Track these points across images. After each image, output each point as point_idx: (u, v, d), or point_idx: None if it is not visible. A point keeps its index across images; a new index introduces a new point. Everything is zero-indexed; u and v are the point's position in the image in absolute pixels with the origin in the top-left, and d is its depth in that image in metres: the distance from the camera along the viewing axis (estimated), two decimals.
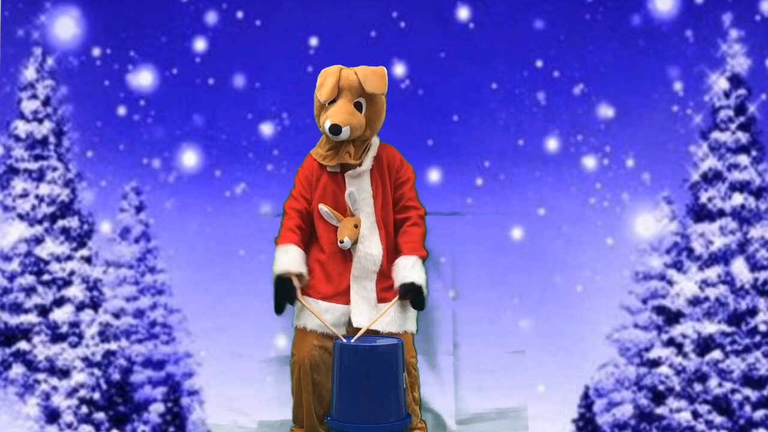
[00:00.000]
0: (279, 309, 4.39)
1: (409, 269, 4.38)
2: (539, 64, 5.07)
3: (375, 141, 4.51)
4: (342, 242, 4.39)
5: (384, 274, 4.45)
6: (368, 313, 4.41)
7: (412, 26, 5.08)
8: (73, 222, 5.00)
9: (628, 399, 4.88)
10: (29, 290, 4.94)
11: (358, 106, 4.43)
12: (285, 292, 4.37)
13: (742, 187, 4.92)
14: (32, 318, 4.92)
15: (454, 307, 5.08)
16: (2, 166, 5.03)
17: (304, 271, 4.42)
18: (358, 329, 4.35)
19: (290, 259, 4.40)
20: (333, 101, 4.43)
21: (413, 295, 4.36)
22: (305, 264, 4.44)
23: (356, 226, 4.42)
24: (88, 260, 5.00)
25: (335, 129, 4.35)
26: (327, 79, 4.43)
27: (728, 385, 4.81)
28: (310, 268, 4.48)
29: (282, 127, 5.10)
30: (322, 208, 4.44)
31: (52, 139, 5.02)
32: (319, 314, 4.37)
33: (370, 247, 4.43)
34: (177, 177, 5.10)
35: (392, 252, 4.49)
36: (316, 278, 4.47)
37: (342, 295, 4.43)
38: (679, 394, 4.85)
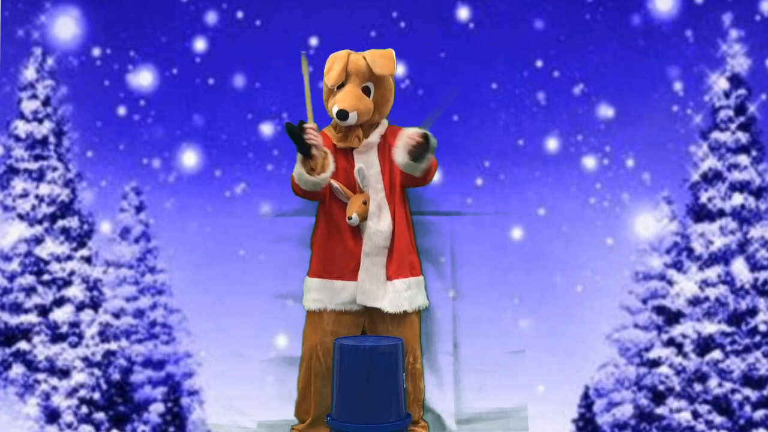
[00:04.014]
0: (303, 148, 4.39)
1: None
2: (539, 64, 5.07)
3: (384, 122, 4.58)
4: (350, 218, 4.44)
5: (394, 252, 4.48)
6: (375, 291, 4.45)
7: (412, 26, 5.08)
8: (73, 222, 5.00)
9: (628, 399, 4.88)
10: (29, 290, 4.94)
11: (366, 91, 4.48)
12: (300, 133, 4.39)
13: (742, 187, 4.92)
14: (32, 318, 4.92)
15: (454, 307, 5.08)
16: (2, 166, 5.03)
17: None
18: (370, 307, 4.41)
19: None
20: (341, 86, 4.47)
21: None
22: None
23: (365, 203, 4.47)
24: (88, 260, 5.00)
25: (342, 114, 4.40)
26: (335, 63, 4.47)
27: (728, 385, 4.81)
28: (322, 247, 4.52)
29: (282, 127, 5.10)
30: (333, 184, 4.49)
31: (52, 139, 5.02)
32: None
33: (380, 223, 4.48)
34: (177, 177, 5.10)
35: (401, 228, 4.53)
36: (328, 259, 4.51)
37: (354, 272, 4.48)
38: (679, 394, 4.85)
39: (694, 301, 4.89)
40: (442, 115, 5.07)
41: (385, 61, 4.48)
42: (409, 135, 4.36)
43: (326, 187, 4.54)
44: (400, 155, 4.40)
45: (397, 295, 4.50)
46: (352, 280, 4.51)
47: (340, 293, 4.50)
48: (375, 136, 4.57)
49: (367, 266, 4.49)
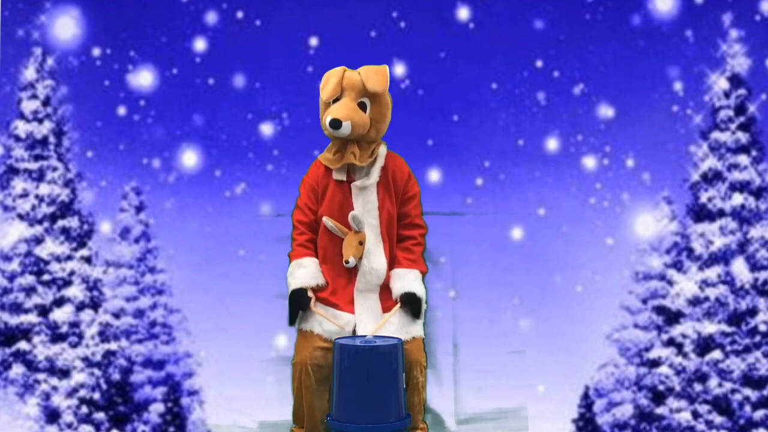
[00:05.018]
0: (292, 320, 4.36)
1: (410, 281, 4.35)
2: (539, 64, 5.08)
3: (382, 151, 4.45)
4: (347, 262, 4.33)
5: (387, 287, 4.43)
6: (373, 323, 4.39)
7: (412, 26, 5.08)
8: (73, 222, 5.00)
9: (628, 399, 4.88)
10: (29, 290, 4.94)
11: (362, 107, 4.41)
12: (301, 303, 4.34)
13: (742, 187, 4.92)
14: (32, 318, 4.92)
15: (454, 307, 5.08)
16: (2, 166, 5.03)
17: (322, 282, 4.39)
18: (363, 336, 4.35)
19: (307, 272, 4.36)
20: (336, 100, 4.42)
21: (412, 306, 4.33)
22: (321, 275, 4.41)
23: (361, 243, 4.38)
24: (88, 260, 5.00)
25: (335, 123, 4.31)
26: (330, 78, 4.42)
27: (728, 385, 4.81)
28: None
29: (282, 127, 5.10)
30: (328, 222, 4.39)
31: (52, 139, 5.02)
32: (331, 318, 4.35)
33: (375, 261, 4.39)
34: (177, 177, 5.10)
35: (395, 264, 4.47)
36: (321, 288, 4.45)
37: (347, 305, 4.41)
38: (679, 394, 4.85)
39: (694, 301, 4.89)
40: (442, 115, 5.08)
41: (379, 78, 4.41)
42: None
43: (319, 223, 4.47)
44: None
45: (403, 322, 4.42)
46: (345, 312, 4.44)
47: (330, 322, 4.42)
48: (375, 175, 4.46)
49: (361, 301, 4.42)
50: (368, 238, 4.38)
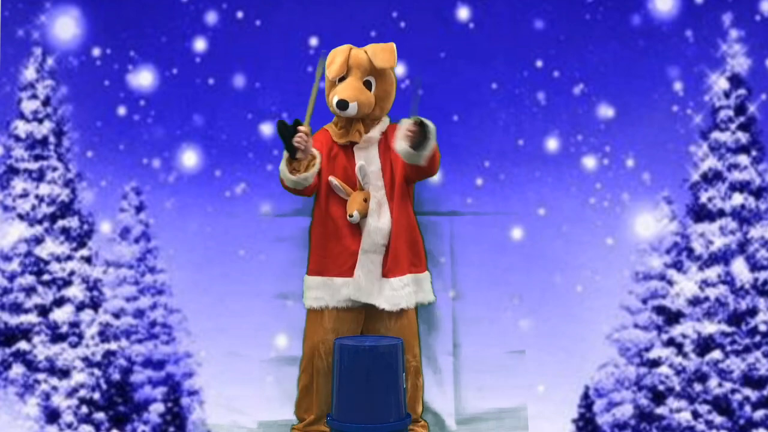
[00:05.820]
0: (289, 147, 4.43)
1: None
2: (539, 64, 5.08)
3: (385, 119, 4.58)
4: (351, 216, 4.42)
5: (392, 250, 4.48)
6: (370, 288, 4.45)
7: (412, 26, 5.08)
8: (73, 222, 5.00)
9: (628, 399, 4.88)
10: (29, 290, 4.94)
11: (367, 85, 4.48)
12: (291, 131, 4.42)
13: (742, 187, 4.92)
14: (32, 318, 4.92)
15: (454, 307, 5.08)
16: (2, 166, 5.03)
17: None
18: (368, 304, 4.41)
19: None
20: (342, 79, 4.48)
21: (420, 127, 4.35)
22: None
23: (366, 200, 4.46)
24: (88, 260, 5.00)
25: (342, 104, 4.40)
26: (336, 56, 4.49)
27: (728, 385, 4.81)
28: (320, 244, 4.52)
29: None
30: (332, 180, 4.49)
31: (52, 139, 5.02)
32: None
33: (380, 220, 4.47)
34: (177, 177, 5.10)
35: (401, 226, 4.51)
36: (326, 256, 4.51)
37: (353, 269, 4.48)
38: (679, 394, 4.85)
39: (694, 301, 4.89)
40: (442, 115, 5.07)
41: (386, 54, 4.50)
42: (404, 126, 4.36)
43: (315, 184, 4.52)
44: (400, 145, 4.39)
45: (393, 293, 4.50)
46: (352, 277, 4.51)
47: (341, 290, 4.51)
48: (376, 132, 4.57)
49: (363, 263, 4.49)
50: (373, 198, 4.47)
